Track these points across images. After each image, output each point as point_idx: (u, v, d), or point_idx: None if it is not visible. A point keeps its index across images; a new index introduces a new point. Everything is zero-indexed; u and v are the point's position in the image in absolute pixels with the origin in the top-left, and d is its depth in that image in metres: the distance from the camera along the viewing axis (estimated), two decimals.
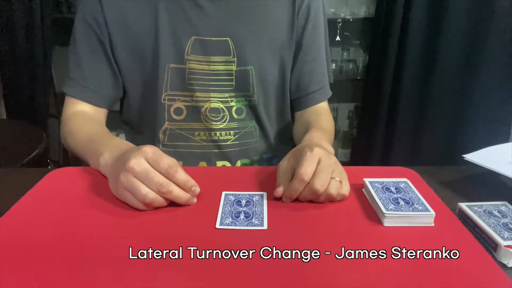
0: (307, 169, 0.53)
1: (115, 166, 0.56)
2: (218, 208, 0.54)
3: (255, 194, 0.58)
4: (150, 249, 0.45)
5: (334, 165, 0.56)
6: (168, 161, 0.52)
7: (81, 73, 0.77)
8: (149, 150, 0.53)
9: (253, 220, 0.51)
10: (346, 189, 0.56)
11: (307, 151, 0.55)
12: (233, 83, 0.79)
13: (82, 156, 0.69)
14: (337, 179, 0.55)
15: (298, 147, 0.61)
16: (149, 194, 0.51)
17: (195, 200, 0.54)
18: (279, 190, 0.55)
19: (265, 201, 0.56)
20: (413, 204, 0.52)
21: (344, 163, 0.61)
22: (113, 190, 0.55)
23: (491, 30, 1.84)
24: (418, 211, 0.51)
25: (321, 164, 0.54)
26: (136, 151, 0.52)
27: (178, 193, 0.53)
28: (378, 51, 2.00)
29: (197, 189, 0.54)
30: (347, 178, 0.58)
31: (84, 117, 0.76)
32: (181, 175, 0.52)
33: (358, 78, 2.29)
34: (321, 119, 0.82)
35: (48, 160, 1.86)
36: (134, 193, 0.51)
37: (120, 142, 0.64)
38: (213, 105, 0.79)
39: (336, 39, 2.28)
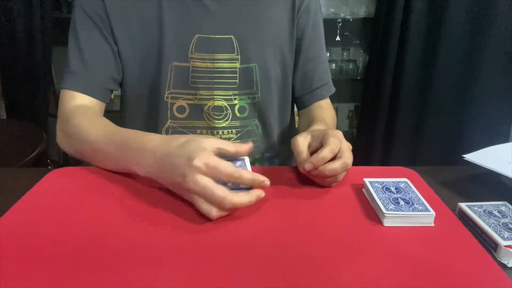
0: (336, 143, 0.57)
1: (164, 170, 0.53)
2: None
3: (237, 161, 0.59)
4: (151, 248, 0.45)
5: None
6: (227, 170, 0.49)
7: (84, 67, 0.74)
8: (202, 164, 0.49)
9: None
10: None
11: (332, 131, 0.59)
12: (237, 80, 0.79)
13: (97, 160, 0.63)
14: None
15: (311, 129, 0.67)
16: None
17: (262, 194, 0.51)
18: (308, 165, 0.56)
19: (247, 165, 0.57)
20: (413, 204, 0.52)
21: None
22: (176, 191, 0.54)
23: (491, 30, 1.84)
24: (418, 211, 0.51)
25: (344, 145, 0.58)
26: (187, 168, 0.49)
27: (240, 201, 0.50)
28: (378, 51, 2.00)
29: (267, 182, 0.52)
30: None
31: (86, 113, 0.71)
32: (247, 175, 0.50)
33: (358, 78, 2.29)
34: (325, 114, 0.84)
35: (48, 160, 1.86)
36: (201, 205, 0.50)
37: (152, 143, 0.56)
38: (216, 103, 0.79)
39: (336, 39, 2.28)
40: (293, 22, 0.81)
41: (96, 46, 0.75)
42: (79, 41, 0.74)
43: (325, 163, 0.56)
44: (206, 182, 0.48)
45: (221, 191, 0.48)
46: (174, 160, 0.51)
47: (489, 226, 0.49)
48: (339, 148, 0.57)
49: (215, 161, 0.49)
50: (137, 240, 0.47)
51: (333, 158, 0.57)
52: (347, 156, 0.57)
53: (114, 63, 0.76)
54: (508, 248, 0.45)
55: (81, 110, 0.72)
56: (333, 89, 0.90)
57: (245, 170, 0.51)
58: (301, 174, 0.60)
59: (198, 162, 0.48)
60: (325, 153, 0.56)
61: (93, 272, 0.42)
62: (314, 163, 0.56)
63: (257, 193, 0.51)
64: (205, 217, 0.51)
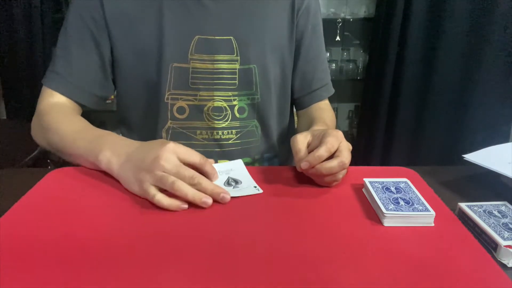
0: (333, 142, 0.57)
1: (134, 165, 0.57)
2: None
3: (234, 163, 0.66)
4: (150, 249, 0.45)
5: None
6: (189, 173, 0.54)
7: (69, 69, 0.74)
8: (174, 145, 0.55)
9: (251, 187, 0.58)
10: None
11: (332, 130, 0.60)
12: (236, 81, 0.79)
13: (66, 152, 0.67)
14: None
15: (312, 129, 0.67)
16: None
17: (228, 196, 0.55)
18: (305, 164, 0.57)
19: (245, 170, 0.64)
20: (413, 204, 0.52)
21: None
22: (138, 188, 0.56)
23: (491, 30, 1.84)
24: (418, 211, 0.51)
25: (343, 145, 0.59)
26: (160, 148, 0.54)
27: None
28: (378, 51, 2.00)
29: (226, 197, 0.55)
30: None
31: (63, 110, 0.74)
32: (208, 182, 0.55)
33: (358, 78, 2.29)
34: (324, 115, 0.84)
35: (48, 160, 1.86)
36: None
37: (117, 140, 0.62)
38: (216, 104, 0.79)
39: (336, 39, 2.28)
40: (293, 23, 0.82)
41: (85, 50, 0.75)
42: (68, 42, 0.75)
43: (321, 162, 0.56)
44: (177, 162, 0.54)
45: (190, 171, 0.54)
46: (150, 146, 0.57)
47: (489, 226, 0.49)
48: (336, 148, 0.57)
49: (186, 149, 0.56)
50: (137, 239, 0.47)
51: (332, 157, 0.57)
52: (345, 156, 0.57)
53: (101, 68, 0.77)
54: (508, 248, 0.45)
55: (57, 107, 0.75)
56: (332, 90, 0.91)
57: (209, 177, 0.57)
58: (301, 174, 0.61)
59: (171, 145, 0.55)
60: (321, 152, 0.56)
61: (93, 271, 0.42)
62: (310, 162, 0.56)
63: (222, 192, 0.55)
64: (205, 217, 0.51)
